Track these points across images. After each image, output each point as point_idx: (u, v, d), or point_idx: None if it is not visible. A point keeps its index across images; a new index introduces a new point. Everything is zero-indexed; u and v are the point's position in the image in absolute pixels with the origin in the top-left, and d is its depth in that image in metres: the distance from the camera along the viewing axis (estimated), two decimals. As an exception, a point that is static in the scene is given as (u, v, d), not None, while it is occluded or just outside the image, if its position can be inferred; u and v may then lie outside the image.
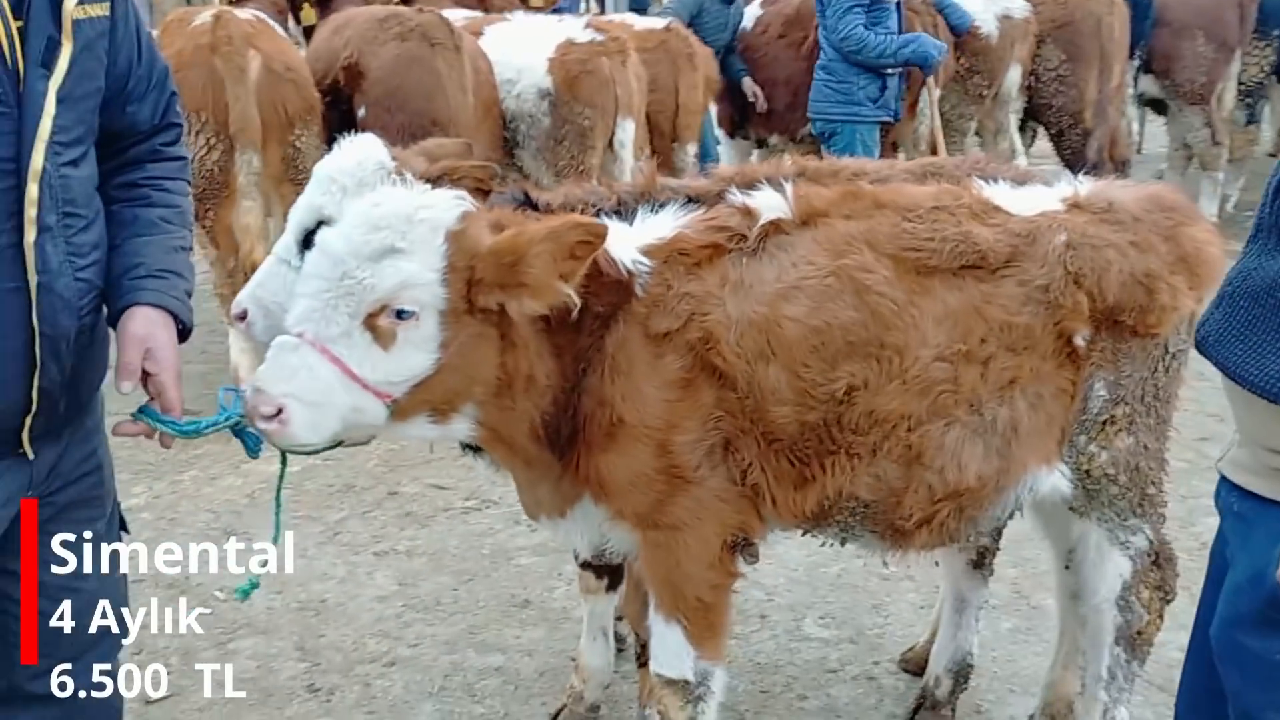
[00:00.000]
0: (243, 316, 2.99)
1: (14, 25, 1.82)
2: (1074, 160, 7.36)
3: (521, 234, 2.27)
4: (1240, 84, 8.42)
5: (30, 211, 1.87)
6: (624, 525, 2.55)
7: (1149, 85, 8.37)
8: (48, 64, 1.86)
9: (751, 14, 7.66)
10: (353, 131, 3.06)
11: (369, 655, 3.67)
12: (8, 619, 2.15)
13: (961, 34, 7.04)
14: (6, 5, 1.83)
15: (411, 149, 2.98)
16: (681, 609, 2.57)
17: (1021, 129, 8.02)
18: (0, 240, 1.88)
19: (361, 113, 5.35)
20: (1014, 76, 7.30)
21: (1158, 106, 8.79)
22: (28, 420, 1.99)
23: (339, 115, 5.36)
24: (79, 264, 1.99)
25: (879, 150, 6.43)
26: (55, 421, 2.06)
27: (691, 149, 6.79)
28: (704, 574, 2.54)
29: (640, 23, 6.87)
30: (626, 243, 2.44)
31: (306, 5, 6.47)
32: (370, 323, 2.21)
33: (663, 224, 2.50)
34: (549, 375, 2.41)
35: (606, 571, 3.17)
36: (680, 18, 7.27)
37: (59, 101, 1.89)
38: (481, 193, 2.56)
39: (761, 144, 7.56)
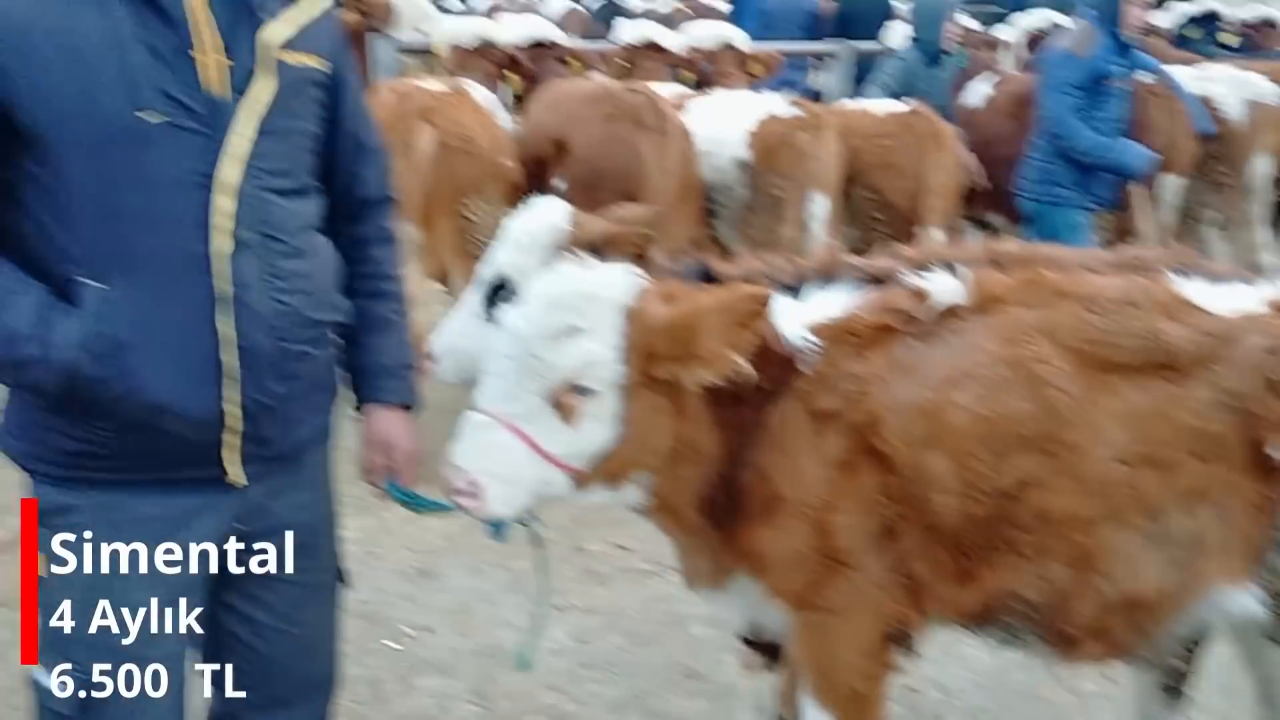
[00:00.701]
0: (432, 358, 3.23)
1: (226, 63, 2.01)
2: (1319, 261, 6.80)
3: (694, 307, 2.33)
4: None
5: (222, 222, 1.98)
6: (778, 604, 2.53)
7: None
8: (240, 89, 2.02)
9: (982, 93, 7.51)
10: None
11: (538, 706, 3.75)
12: (226, 651, 2.28)
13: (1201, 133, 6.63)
14: (220, 46, 2.01)
15: (597, 215, 3.10)
16: (833, 697, 2.52)
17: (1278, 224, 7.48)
18: (190, 249, 1.98)
19: (563, 187, 5.38)
20: (1262, 167, 6.81)
21: None
22: (228, 439, 2.07)
23: (543, 188, 5.43)
24: (279, 285, 2.06)
25: (1088, 237, 6.09)
26: (266, 452, 2.13)
27: (936, 233, 6.47)
28: (858, 662, 2.49)
29: (879, 107, 6.80)
30: (796, 319, 2.45)
31: (512, 76, 6.72)
32: (555, 400, 2.31)
33: (834, 302, 2.50)
34: (714, 446, 2.44)
35: (767, 649, 3.13)
36: (893, 89, 7.18)
37: (263, 132, 2.03)
38: (639, 258, 2.64)
39: (982, 224, 7.36)
